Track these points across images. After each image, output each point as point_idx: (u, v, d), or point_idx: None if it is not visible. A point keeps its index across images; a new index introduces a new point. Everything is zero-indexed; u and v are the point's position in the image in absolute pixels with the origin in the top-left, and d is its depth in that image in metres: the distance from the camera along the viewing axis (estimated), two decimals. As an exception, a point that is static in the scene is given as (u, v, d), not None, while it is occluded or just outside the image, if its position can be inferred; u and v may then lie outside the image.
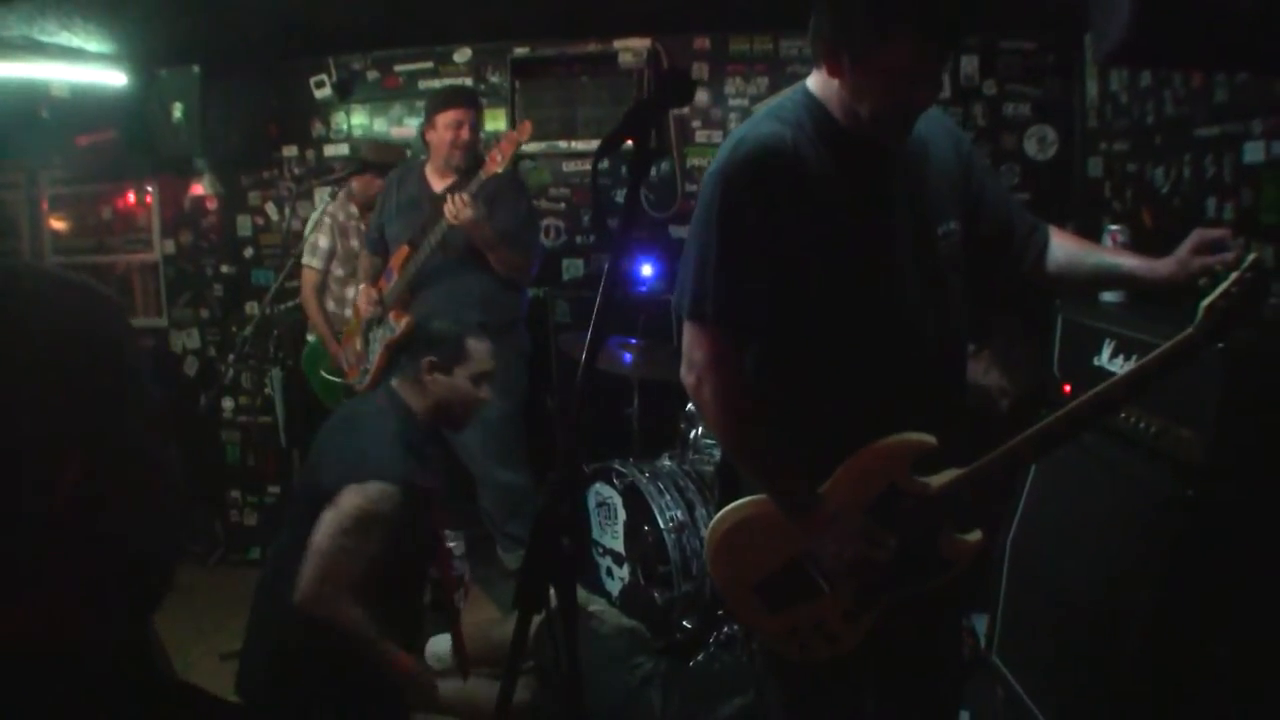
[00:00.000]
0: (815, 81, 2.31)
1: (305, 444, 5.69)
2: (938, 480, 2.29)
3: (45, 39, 5.03)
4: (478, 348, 3.33)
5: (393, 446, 3.12)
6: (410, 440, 3.20)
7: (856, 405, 2.30)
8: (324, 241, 5.44)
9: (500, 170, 4.29)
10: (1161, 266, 2.25)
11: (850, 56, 2.15)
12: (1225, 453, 2.54)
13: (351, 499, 2.96)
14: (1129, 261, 2.40)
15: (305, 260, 5.40)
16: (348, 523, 2.95)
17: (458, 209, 4.26)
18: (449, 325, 3.43)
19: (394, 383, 3.35)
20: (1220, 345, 2.17)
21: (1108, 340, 3.06)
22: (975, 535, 2.38)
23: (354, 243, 5.47)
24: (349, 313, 5.36)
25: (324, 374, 5.32)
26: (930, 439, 2.27)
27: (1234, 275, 2.06)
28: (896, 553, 2.29)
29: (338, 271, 5.49)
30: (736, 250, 2.21)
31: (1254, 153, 3.34)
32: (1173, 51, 2.50)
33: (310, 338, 5.54)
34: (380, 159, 5.27)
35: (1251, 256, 2.08)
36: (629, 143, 1.68)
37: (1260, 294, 2.07)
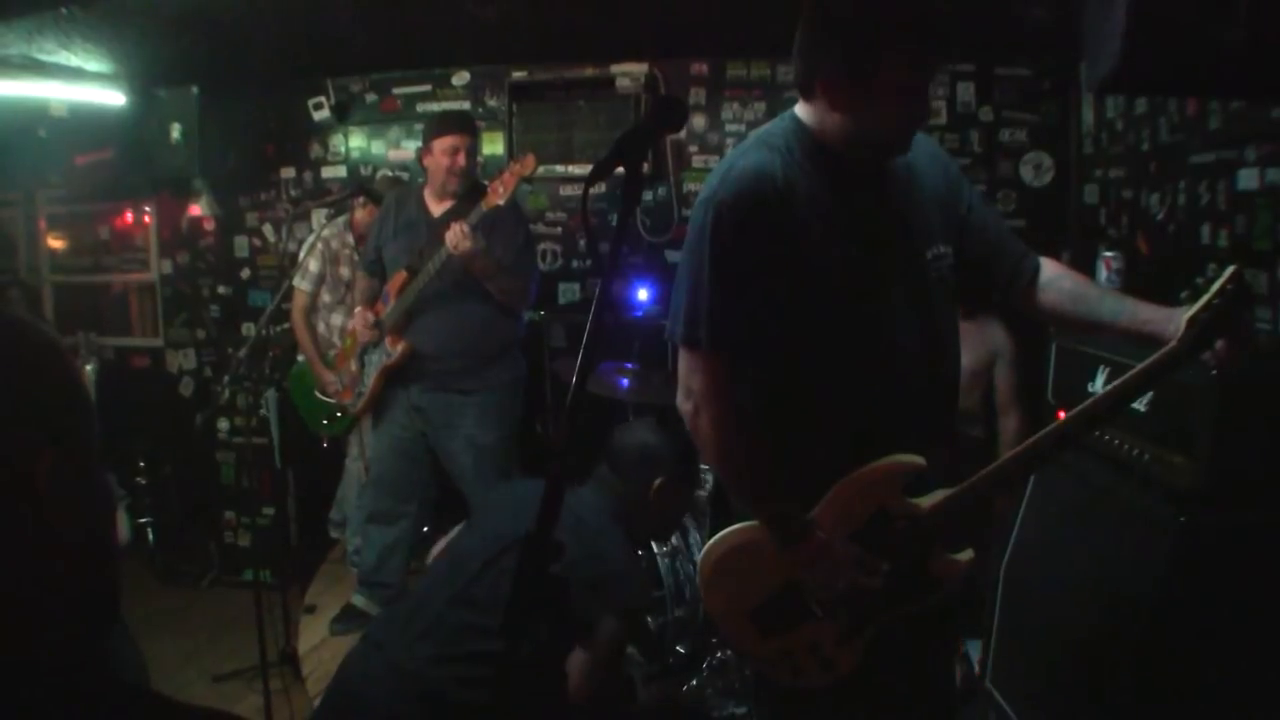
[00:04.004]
0: (803, 108, 2.33)
1: (299, 465, 5.70)
2: (928, 501, 2.29)
3: (44, 58, 5.05)
4: (702, 468, 3.21)
5: (635, 567, 3.05)
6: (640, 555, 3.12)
7: (847, 427, 2.30)
8: (314, 266, 5.47)
9: (502, 203, 4.30)
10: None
11: (846, 78, 2.16)
12: (1218, 479, 2.54)
13: (612, 632, 2.86)
14: (1143, 317, 2.27)
15: (296, 283, 5.42)
16: (609, 656, 2.89)
17: (458, 240, 4.26)
18: (679, 446, 3.20)
19: (607, 487, 3.16)
20: (1213, 373, 2.17)
21: (1102, 366, 3.06)
22: (967, 554, 2.38)
23: (344, 270, 5.48)
24: (336, 338, 5.37)
25: (318, 395, 5.31)
26: (920, 460, 2.27)
27: (1215, 287, 2.06)
28: (889, 574, 2.28)
29: (325, 297, 5.51)
30: (729, 276, 2.21)
31: (1248, 179, 3.35)
32: (1165, 80, 2.51)
33: (299, 358, 5.54)
34: (387, 192, 5.26)
35: (1231, 269, 2.08)
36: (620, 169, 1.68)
37: (1242, 306, 2.07)
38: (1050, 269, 2.50)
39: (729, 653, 4.20)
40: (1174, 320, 2.15)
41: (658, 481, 3.12)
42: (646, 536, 3.25)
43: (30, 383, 1.03)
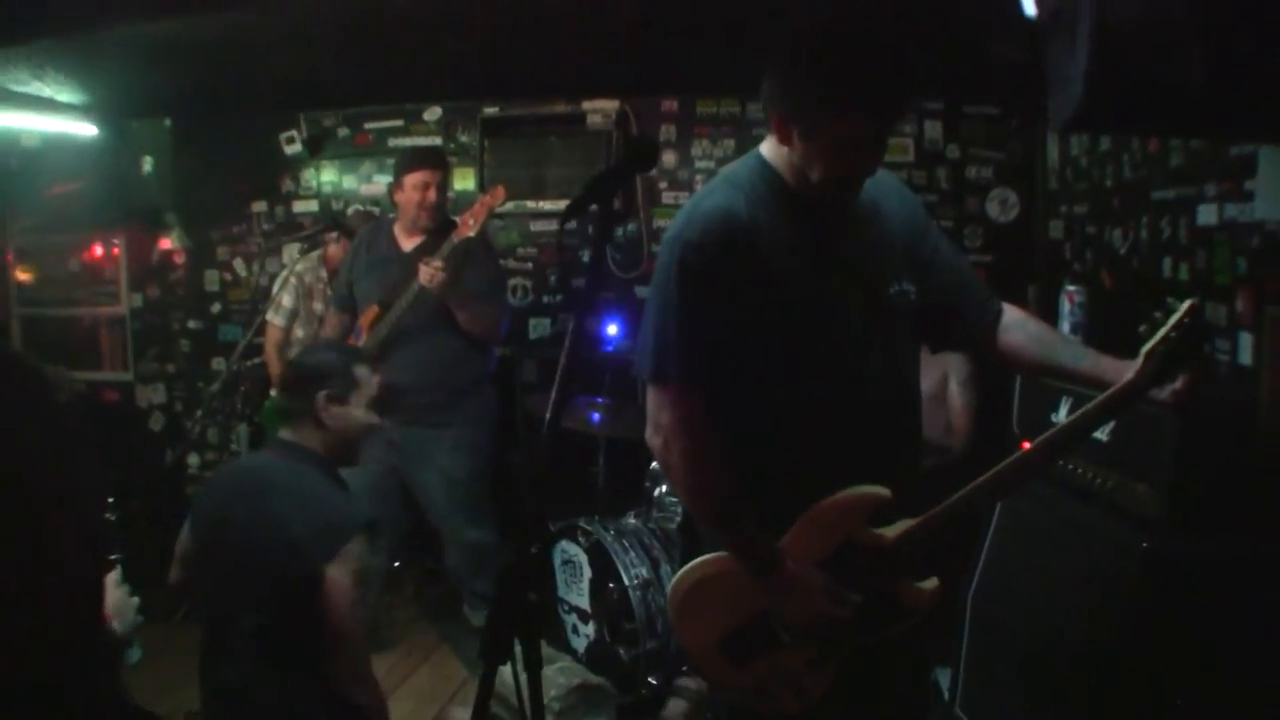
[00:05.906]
0: (768, 148, 2.38)
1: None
2: (892, 531, 2.32)
3: (17, 88, 5.04)
4: (364, 372, 3.19)
5: (339, 496, 3.02)
6: (340, 481, 3.11)
7: (812, 460, 2.33)
8: (288, 300, 5.45)
9: (473, 234, 4.33)
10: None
11: (800, 128, 2.22)
12: (1180, 506, 2.59)
13: (342, 570, 2.80)
14: (1104, 366, 2.33)
15: (269, 317, 5.41)
16: (352, 593, 2.81)
17: (431, 274, 4.28)
18: (332, 355, 3.27)
19: (284, 434, 3.14)
20: (1178, 411, 2.21)
21: (1065, 398, 3.11)
22: (932, 583, 2.41)
23: (317, 305, 5.48)
24: None
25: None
26: (884, 491, 2.30)
27: (1173, 320, 2.11)
28: (857, 603, 2.31)
29: (299, 332, 5.50)
30: (695, 312, 2.24)
31: (1207, 215, 3.41)
32: (1126, 121, 2.57)
33: (273, 392, 5.53)
34: (360, 227, 5.27)
35: (1189, 302, 2.13)
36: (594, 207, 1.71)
37: (1199, 338, 2.12)
38: (1013, 313, 2.55)
39: (701, 684, 4.21)
40: (1131, 372, 2.20)
41: (321, 395, 3.08)
42: (337, 461, 3.17)
43: (43, 433, 1.07)
